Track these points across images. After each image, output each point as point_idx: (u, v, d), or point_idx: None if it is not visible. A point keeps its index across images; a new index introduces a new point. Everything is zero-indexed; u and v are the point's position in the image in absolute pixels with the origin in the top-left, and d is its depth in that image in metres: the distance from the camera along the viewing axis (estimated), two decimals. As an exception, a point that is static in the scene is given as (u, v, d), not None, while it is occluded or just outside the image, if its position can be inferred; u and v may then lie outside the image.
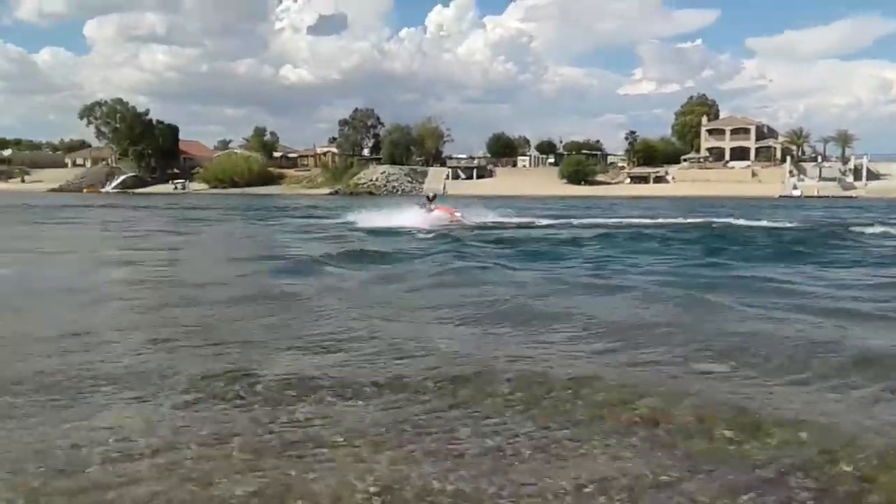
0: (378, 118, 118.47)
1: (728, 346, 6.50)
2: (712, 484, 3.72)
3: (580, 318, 7.80)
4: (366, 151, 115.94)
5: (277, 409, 4.80)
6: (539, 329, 7.40)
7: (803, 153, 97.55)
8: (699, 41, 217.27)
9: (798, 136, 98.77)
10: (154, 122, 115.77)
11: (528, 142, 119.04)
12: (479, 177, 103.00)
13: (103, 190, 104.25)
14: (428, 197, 30.65)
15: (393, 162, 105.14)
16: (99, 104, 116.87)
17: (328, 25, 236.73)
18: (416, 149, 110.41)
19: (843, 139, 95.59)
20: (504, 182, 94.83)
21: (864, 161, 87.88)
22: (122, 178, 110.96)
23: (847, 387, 5.36)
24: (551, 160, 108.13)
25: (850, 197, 76.69)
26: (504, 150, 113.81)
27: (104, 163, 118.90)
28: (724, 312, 8.23)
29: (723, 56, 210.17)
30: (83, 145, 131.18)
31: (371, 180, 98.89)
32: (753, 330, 7.13)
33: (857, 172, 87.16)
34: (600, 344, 6.72)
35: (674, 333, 7.03)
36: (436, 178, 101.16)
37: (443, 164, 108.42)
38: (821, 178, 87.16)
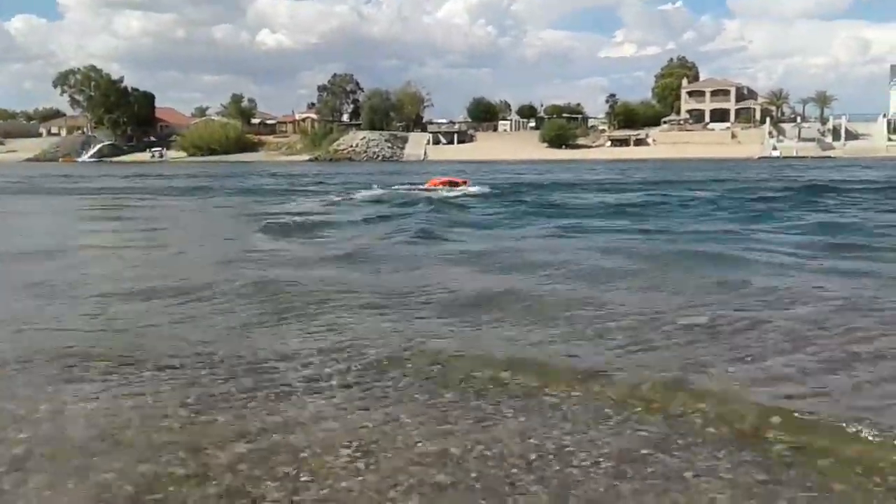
0: (357, 83, 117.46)
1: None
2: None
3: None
4: (345, 117, 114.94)
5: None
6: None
7: (783, 114, 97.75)
8: (680, 3, 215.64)
9: (777, 98, 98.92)
10: (129, 89, 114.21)
11: (508, 106, 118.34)
12: (459, 142, 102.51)
13: (79, 160, 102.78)
14: None
15: (373, 127, 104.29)
16: (73, 72, 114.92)
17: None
18: (395, 114, 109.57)
19: (822, 100, 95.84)
20: (485, 147, 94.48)
21: (843, 121, 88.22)
22: (98, 146, 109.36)
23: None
24: (532, 124, 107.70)
25: (829, 157, 77.09)
26: (485, 114, 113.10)
27: (80, 132, 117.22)
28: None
29: (704, 18, 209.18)
30: (58, 114, 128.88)
31: (351, 146, 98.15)
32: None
33: (835, 133, 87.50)
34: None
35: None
36: (416, 143, 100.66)
37: (423, 129, 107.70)
38: (800, 139, 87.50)
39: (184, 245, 12.70)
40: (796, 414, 4.10)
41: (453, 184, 29.37)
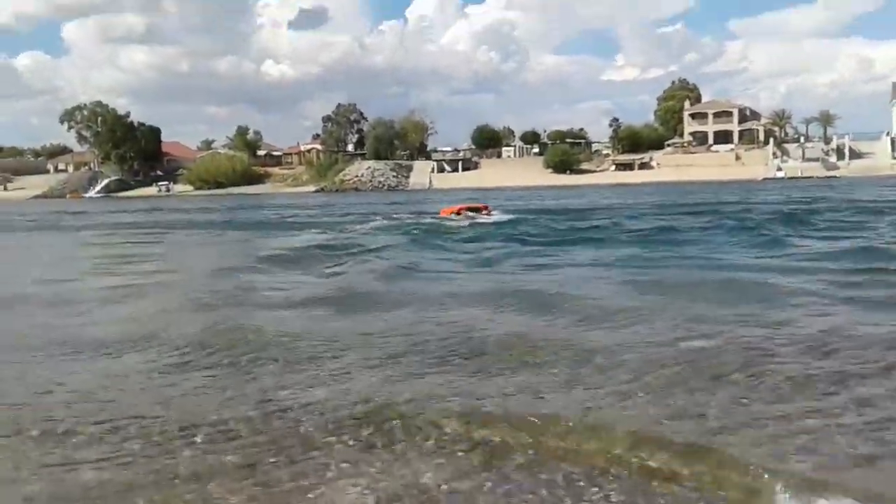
0: (361, 113, 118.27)
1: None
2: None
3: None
4: (350, 147, 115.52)
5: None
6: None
7: (786, 134, 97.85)
8: (681, 25, 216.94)
9: (780, 118, 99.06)
10: (136, 124, 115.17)
11: (512, 132, 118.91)
12: (464, 169, 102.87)
13: (87, 195, 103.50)
14: None
15: (377, 157, 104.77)
16: (79, 108, 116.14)
17: (308, 20, 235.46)
18: (400, 143, 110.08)
19: (825, 119, 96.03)
20: (489, 174, 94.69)
21: (847, 140, 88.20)
22: (105, 182, 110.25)
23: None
24: (536, 150, 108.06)
25: (833, 177, 77.05)
26: (489, 141, 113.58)
27: (86, 167, 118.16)
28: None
29: (705, 39, 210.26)
30: (65, 150, 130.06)
31: (356, 176, 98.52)
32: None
33: (839, 152, 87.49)
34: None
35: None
36: (421, 171, 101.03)
37: (428, 157, 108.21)
38: (804, 159, 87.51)
39: (175, 283, 12.56)
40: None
41: (474, 210, 27.25)
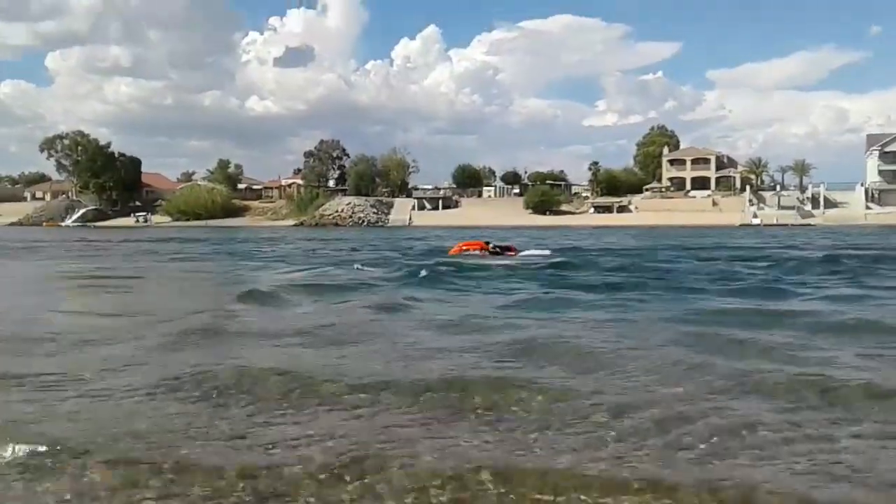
0: (344, 149, 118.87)
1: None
2: None
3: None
4: (331, 183, 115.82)
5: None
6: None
7: (762, 182, 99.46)
8: (661, 73, 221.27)
9: (757, 166, 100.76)
10: (116, 154, 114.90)
11: (493, 172, 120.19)
12: (444, 207, 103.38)
13: (63, 224, 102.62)
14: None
15: (358, 193, 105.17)
16: (60, 137, 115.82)
17: (295, 58, 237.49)
18: (381, 180, 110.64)
19: (801, 168, 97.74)
20: (469, 212, 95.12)
21: (822, 189, 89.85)
22: (83, 211, 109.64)
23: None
24: (516, 191, 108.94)
25: (809, 224, 78.16)
26: (469, 180, 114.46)
27: (64, 196, 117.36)
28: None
29: (684, 88, 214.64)
30: (44, 178, 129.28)
31: (336, 211, 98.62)
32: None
33: (814, 201, 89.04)
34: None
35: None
36: (402, 208, 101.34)
37: (409, 194, 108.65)
38: (780, 207, 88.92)
39: (140, 318, 11.61)
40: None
41: (506, 249, 25.22)
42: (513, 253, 25.09)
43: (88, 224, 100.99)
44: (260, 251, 33.90)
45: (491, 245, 25.83)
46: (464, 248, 26.07)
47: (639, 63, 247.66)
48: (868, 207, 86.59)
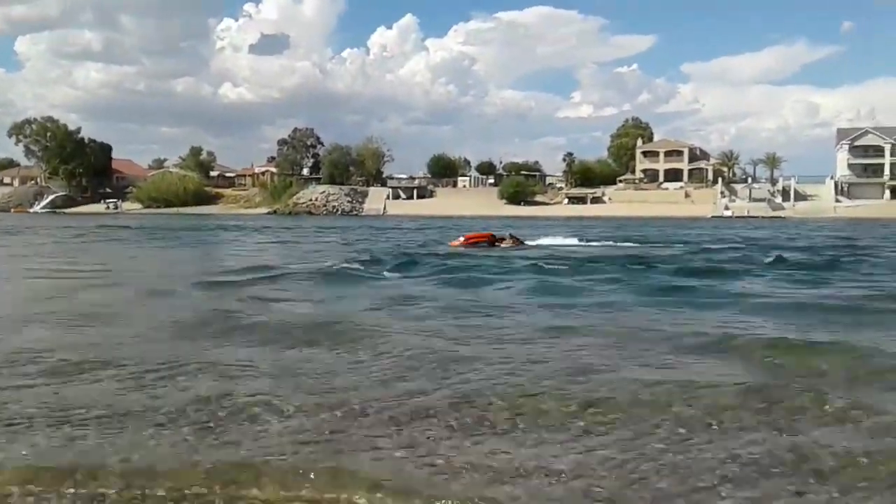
0: (318, 138, 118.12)
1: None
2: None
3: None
4: (305, 171, 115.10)
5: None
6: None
7: (734, 175, 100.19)
8: (636, 66, 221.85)
9: (729, 159, 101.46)
10: (86, 140, 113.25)
11: (468, 163, 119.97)
12: (419, 197, 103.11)
13: (32, 210, 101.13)
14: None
15: (333, 182, 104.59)
16: (28, 122, 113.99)
17: (270, 45, 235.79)
18: (356, 169, 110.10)
19: (772, 161, 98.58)
20: (444, 202, 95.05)
21: (792, 182, 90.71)
22: (52, 197, 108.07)
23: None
24: (491, 181, 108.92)
25: (780, 217, 78.92)
26: (444, 170, 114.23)
27: (33, 182, 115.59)
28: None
29: (659, 80, 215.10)
30: (12, 164, 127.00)
31: (310, 200, 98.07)
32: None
33: (785, 193, 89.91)
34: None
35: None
36: (376, 197, 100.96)
37: (383, 183, 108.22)
38: (751, 199, 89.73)
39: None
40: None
41: (517, 241, 25.16)
42: (512, 243, 24.95)
43: (57, 210, 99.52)
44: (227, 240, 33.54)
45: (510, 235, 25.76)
46: (470, 240, 25.59)
47: (614, 56, 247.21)
48: (838, 200, 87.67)
